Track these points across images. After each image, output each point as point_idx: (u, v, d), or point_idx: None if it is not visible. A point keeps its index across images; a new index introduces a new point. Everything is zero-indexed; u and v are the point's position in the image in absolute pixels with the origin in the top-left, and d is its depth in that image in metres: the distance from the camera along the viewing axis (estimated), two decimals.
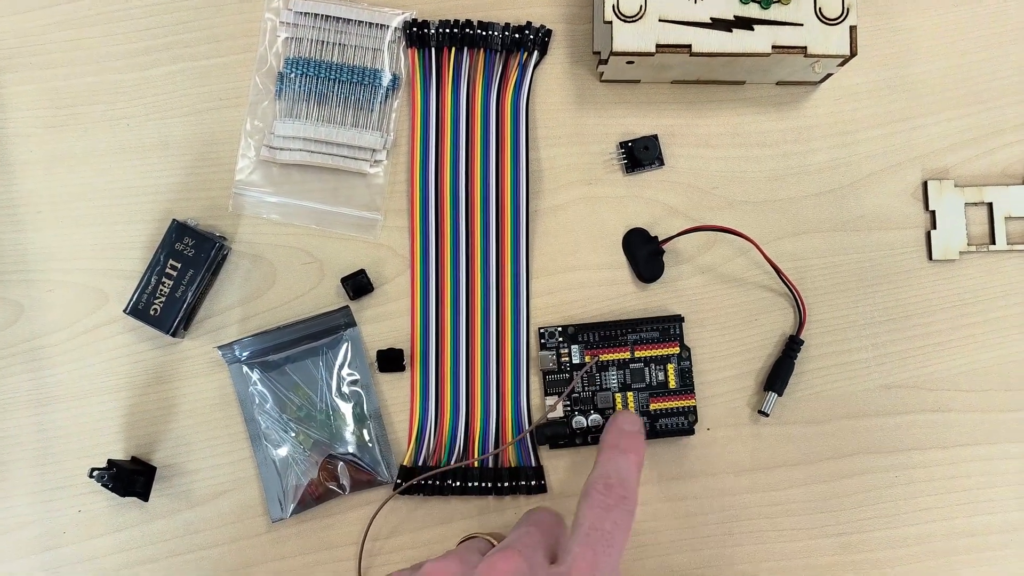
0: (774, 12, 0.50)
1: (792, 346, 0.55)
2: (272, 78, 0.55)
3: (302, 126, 0.55)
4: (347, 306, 0.54)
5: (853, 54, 0.50)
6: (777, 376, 0.55)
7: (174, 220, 0.52)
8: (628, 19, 0.50)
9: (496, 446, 0.54)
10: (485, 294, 0.55)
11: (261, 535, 0.54)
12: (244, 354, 0.54)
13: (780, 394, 0.54)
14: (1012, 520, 0.55)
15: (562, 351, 0.54)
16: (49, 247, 0.55)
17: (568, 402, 0.54)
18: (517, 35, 0.55)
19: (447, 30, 0.55)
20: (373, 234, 0.55)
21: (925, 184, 0.56)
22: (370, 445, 0.54)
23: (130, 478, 0.52)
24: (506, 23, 0.55)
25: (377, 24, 0.55)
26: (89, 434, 0.54)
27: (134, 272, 0.54)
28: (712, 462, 0.55)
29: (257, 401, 0.53)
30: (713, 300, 0.55)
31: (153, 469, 0.53)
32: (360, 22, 0.55)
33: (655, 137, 0.56)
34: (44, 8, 0.56)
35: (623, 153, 0.56)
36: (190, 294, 0.52)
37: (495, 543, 0.42)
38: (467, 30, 0.55)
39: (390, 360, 0.54)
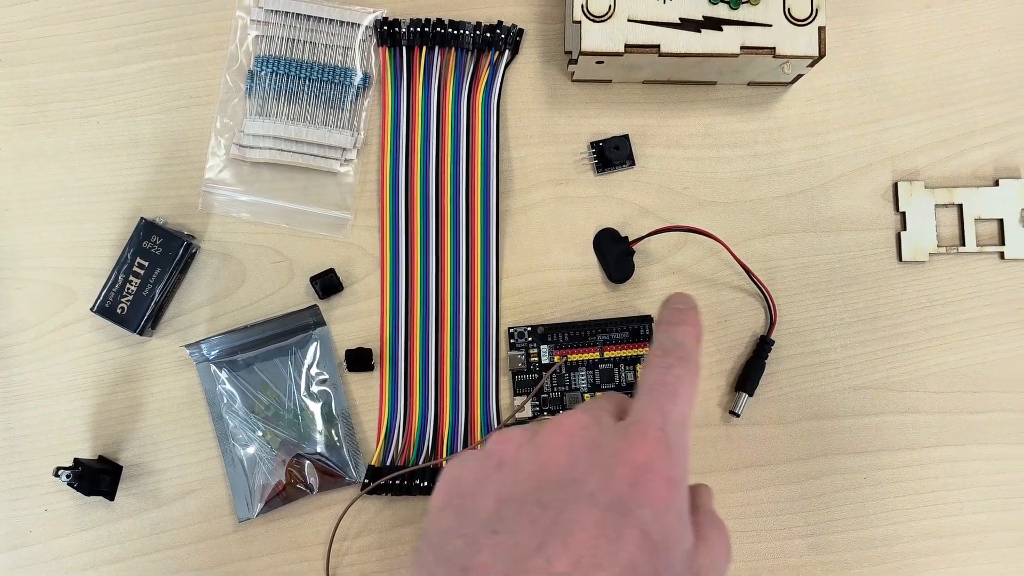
0: (743, 13, 0.49)
1: (763, 346, 0.54)
2: (243, 76, 0.55)
3: (272, 124, 0.54)
4: (316, 305, 0.53)
5: (822, 55, 0.49)
6: (748, 377, 0.54)
7: (142, 219, 0.52)
8: (597, 19, 0.49)
9: (465, 446, 0.53)
10: (455, 294, 0.54)
11: (228, 535, 0.53)
12: (212, 353, 0.53)
13: (751, 394, 0.54)
14: (979, 521, 0.54)
15: (531, 351, 0.54)
16: (18, 245, 0.54)
17: (537, 402, 0.54)
18: (488, 34, 0.55)
19: (418, 29, 0.54)
20: (343, 233, 0.54)
21: (895, 185, 0.56)
22: (338, 445, 0.53)
23: (95, 477, 0.51)
24: (477, 22, 0.55)
25: (348, 23, 0.55)
26: (56, 433, 0.53)
27: (103, 270, 0.54)
28: None
29: (225, 400, 0.53)
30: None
31: (119, 468, 0.53)
32: (331, 20, 0.55)
33: (626, 137, 0.55)
34: (16, 4, 0.55)
35: (594, 153, 0.55)
36: (157, 292, 0.51)
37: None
38: (438, 29, 0.54)
39: (359, 359, 0.53)
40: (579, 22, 0.49)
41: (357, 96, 0.55)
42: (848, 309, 0.55)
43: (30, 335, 0.54)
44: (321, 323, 0.53)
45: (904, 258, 0.55)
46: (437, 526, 0.35)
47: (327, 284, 0.53)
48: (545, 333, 0.54)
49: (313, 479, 0.52)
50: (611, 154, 0.55)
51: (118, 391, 0.54)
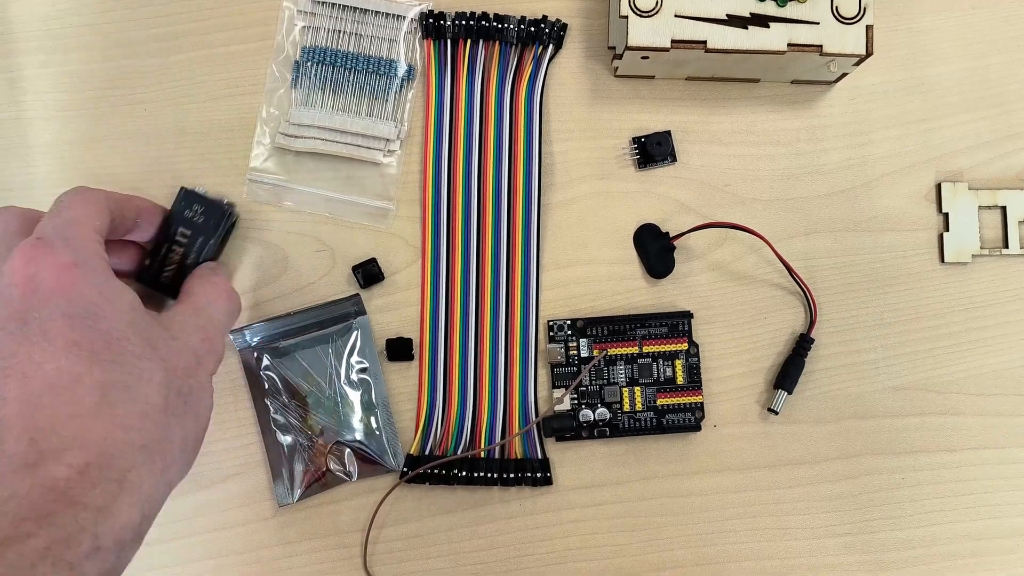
0: (790, 10, 0.48)
1: (803, 344, 0.53)
2: (288, 67, 0.54)
3: (317, 114, 0.54)
4: (357, 294, 0.53)
5: (869, 54, 0.48)
6: (787, 374, 0.53)
7: (182, 188, 0.51)
8: (644, 14, 0.49)
9: (503, 437, 0.53)
10: (495, 285, 0.54)
11: (268, 519, 0.52)
12: (255, 340, 0.52)
13: (790, 392, 0.53)
14: (1017, 525, 0.53)
15: (571, 344, 0.53)
16: None
17: (575, 395, 0.53)
18: (532, 28, 0.54)
19: (463, 22, 0.53)
20: (385, 223, 0.54)
21: (939, 186, 0.55)
22: (377, 433, 0.52)
23: None
24: (522, 16, 0.54)
25: (393, 15, 0.54)
26: None
27: None
28: (718, 459, 0.53)
29: (267, 386, 0.52)
30: (723, 297, 0.54)
31: None
32: (376, 12, 0.54)
33: (668, 133, 0.54)
34: None
35: (635, 148, 0.54)
36: (201, 261, 0.51)
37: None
38: (483, 22, 0.54)
39: (399, 349, 0.53)
40: (626, 17, 0.49)
41: (401, 88, 0.54)
42: (889, 309, 0.54)
43: None
44: (362, 312, 0.53)
45: (946, 259, 0.54)
46: None
47: (368, 273, 0.53)
48: (584, 327, 0.53)
49: (352, 466, 0.52)
50: (653, 150, 0.54)
51: None
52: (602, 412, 0.53)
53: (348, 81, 0.54)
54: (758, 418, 0.53)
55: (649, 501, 0.53)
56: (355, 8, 0.54)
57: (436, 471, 0.51)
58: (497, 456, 0.52)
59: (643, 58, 0.51)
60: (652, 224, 0.54)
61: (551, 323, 0.53)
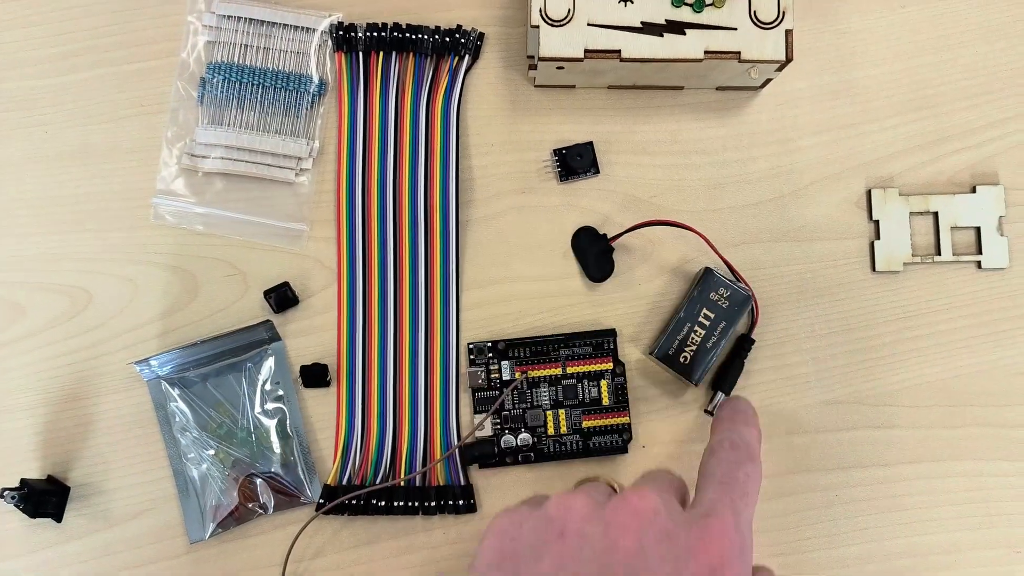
0: (707, 16, 0.45)
1: (742, 345, 0.50)
2: (194, 83, 0.50)
3: (225, 133, 0.50)
4: (269, 320, 0.49)
5: (789, 59, 0.45)
6: (725, 375, 0.50)
7: (706, 268, 0.50)
8: (556, 23, 0.45)
9: (424, 464, 0.49)
10: (414, 307, 0.50)
11: (181, 556, 0.49)
12: (163, 370, 0.49)
13: (727, 394, 0.50)
14: (956, 540, 0.50)
15: (492, 367, 0.50)
16: None
17: (498, 420, 0.49)
18: (448, 39, 0.50)
19: (375, 33, 0.50)
20: (299, 245, 0.50)
21: (869, 192, 0.51)
22: (293, 463, 0.49)
23: (42, 498, 0.47)
24: (436, 26, 0.50)
25: (303, 27, 0.50)
26: (4, 452, 0.49)
27: (52, 285, 0.50)
28: None
29: (177, 418, 0.48)
30: (659, 302, 0.51)
31: (67, 489, 0.49)
32: (285, 25, 0.50)
33: (590, 144, 0.51)
34: None
35: (557, 161, 0.51)
36: (720, 346, 0.48)
37: (616, 489, 0.37)
38: (395, 33, 0.50)
39: (315, 375, 0.49)
40: (537, 26, 0.45)
41: (313, 103, 0.50)
42: (820, 321, 0.51)
43: None
44: (276, 338, 0.49)
45: (877, 268, 0.51)
46: None
47: (281, 298, 0.49)
48: (506, 348, 0.49)
49: (267, 499, 0.48)
50: (574, 162, 0.51)
51: (67, 408, 0.49)
52: (524, 437, 0.49)
53: (257, 97, 0.50)
54: (688, 437, 0.50)
55: None
56: (263, 21, 0.50)
57: (355, 502, 0.48)
58: (418, 484, 0.49)
59: (558, 68, 0.47)
60: (591, 227, 0.51)
61: (471, 346, 0.50)
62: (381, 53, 0.50)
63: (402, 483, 0.48)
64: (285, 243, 0.50)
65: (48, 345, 0.50)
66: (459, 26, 0.50)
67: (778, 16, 0.44)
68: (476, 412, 0.49)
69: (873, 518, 0.50)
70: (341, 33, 0.50)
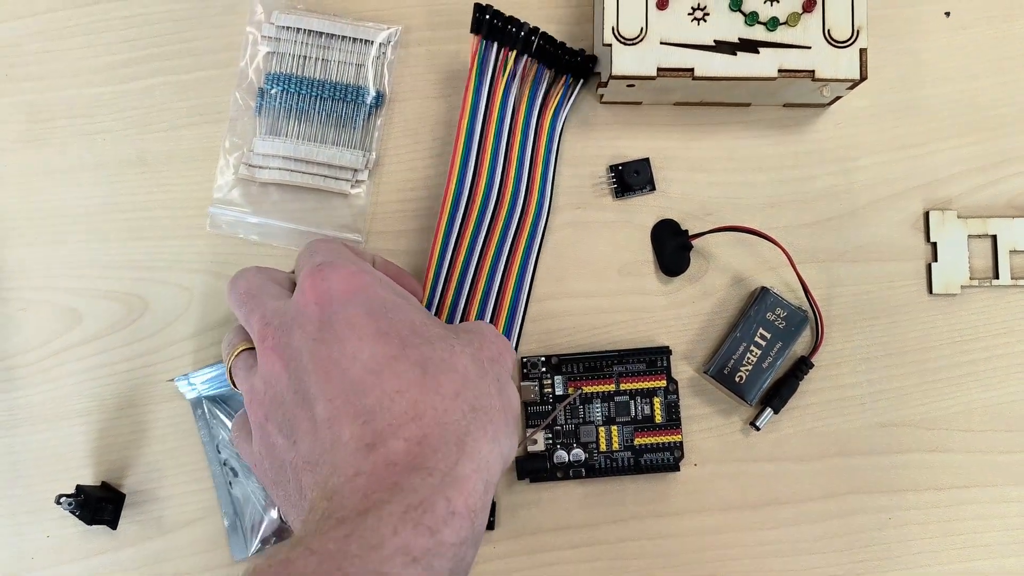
0: (780, 34, 0.40)
1: (800, 367, 0.45)
2: (253, 94, 0.46)
3: (282, 144, 0.45)
4: None
5: (863, 78, 0.40)
6: (777, 392, 0.45)
7: (762, 288, 0.45)
8: (628, 42, 0.40)
9: None
10: (481, 311, 0.44)
11: (232, 565, 0.44)
12: (204, 386, 0.44)
13: (776, 411, 0.45)
14: (1008, 566, 0.45)
15: (545, 382, 0.45)
16: (23, 264, 0.46)
17: (550, 435, 0.45)
18: (567, 56, 0.44)
19: (513, 28, 0.43)
20: None
21: (927, 214, 0.46)
22: None
23: (97, 505, 0.43)
24: (562, 41, 0.44)
25: (361, 39, 0.45)
26: (59, 458, 0.45)
27: (108, 292, 0.45)
28: (698, 499, 0.45)
29: (222, 435, 0.44)
30: (713, 320, 0.46)
31: (122, 496, 0.44)
32: (344, 37, 0.45)
33: (646, 160, 0.46)
34: (20, 19, 0.46)
35: (613, 177, 0.46)
36: (776, 367, 0.45)
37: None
38: (532, 36, 0.43)
39: None
40: (609, 45, 0.40)
41: (369, 115, 0.46)
42: (875, 343, 0.46)
43: (33, 357, 0.45)
44: None
45: (935, 290, 0.46)
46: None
47: None
48: (559, 364, 0.45)
49: None
50: (631, 178, 0.46)
51: (122, 416, 0.45)
52: (577, 453, 0.45)
53: (314, 109, 0.46)
54: (740, 456, 0.45)
55: (626, 543, 0.45)
56: (321, 33, 0.46)
57: None
58: None
59: (628, 86, 0.42)
60: (672, 220, 0.46)
61: (524, 360, 0.45)
62: (514, 52, 0.44)
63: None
64: None
65: (104, 352, 0.45)
66: (582, 49, 0.45)
67: (852, 35, 0.39)
68: (528, 426, 0.45)
69: (926, 542, 0.45)
70: (485, 16, 0.42)
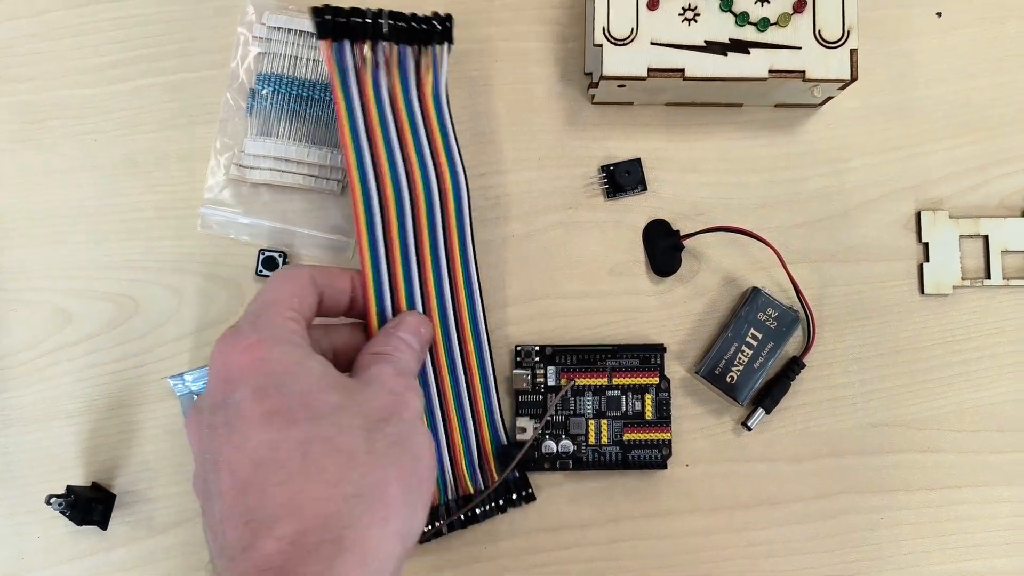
0: (771, 35, 0.39)
1: (792, 367, 0.45)
2: (244, 94, 0.45)
3: (273, 145, 0.45)
4: None
5: (854, 78, 0.40)
6: (769, 393, 0.44)
7: (753, 288, 0.44)
8: (619, 42, 0.40)
9: (482, 469, 0.44)
10: (442, 310, 0.43)
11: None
12: (197, 385, 0.44)
13: (768, 412, 0.45)
14: (1000, 566, 0.45)
15: (537, 371, 0.45)
16: (13, 265, 0.45)
17: (539, 424, 0.44)
18: (424, 25, 0.41)
19: (360, 20, 0.40)
20: (343, 257, 0.45)
21: (918, 214, 0.46)
22: None
23: (88, 506, 0.43)
24: (412, 12, 0.41)
25: None
26: (50, 458, 0.45)
27: (99, 292, 0.45)
28: (690, 499, 0.45)
29: None
30: (704, 321, 0.46)
31: (112, 497, 0.44)
32: None
33: (638, 161, 0.46)
34: (11, 20, 0.46)
35: (604, 177, 0.46)
36: (767, 367, 0.45)
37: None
38: (379, 20, 0.41)
39: None
40: (600, 45, 0.40)
41: None
42: (867, 343, 0.46)
43: (24, 358, 0.45)
44: None
45: (926, 291, 0.46)
46: None
47: None
48: (553, 354, 0.45)
49: None
50: (622, 179, 0.46)
51: (113, 416, 0.45)
52: (566, 444, 0.44)
53: (305, 109, 0.45)
54: (731, 456, 0.45)
55: (617, 544, 0.45)
56: (312, 33, 0.45)
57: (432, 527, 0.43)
58: (482, 486, 0.44)
59: (619, 86, 0.42)
60: (663, 220, 0.46)
61: (519, 348, 0.45)
62: (367, 43, 0.41)
63: (478, 513, 0.43)
64: (330, 255, 0.45)
65: (94, 352, 0.45)
66: (435, 12, 0.42)
67: (843, 35, 0.39)
68: (518, 415, 0.45)
69: (918, 543, 0.45)
70: (322, 18, 0.40)
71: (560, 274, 0.46)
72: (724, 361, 0.44)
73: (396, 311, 0.41)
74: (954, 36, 0.47)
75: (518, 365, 0.45)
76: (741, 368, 0.44)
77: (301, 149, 0.45)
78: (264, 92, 0.45)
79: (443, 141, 0.42)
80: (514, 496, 0.44)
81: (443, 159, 0.42)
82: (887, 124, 0.46)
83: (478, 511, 0.44)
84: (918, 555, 0.45)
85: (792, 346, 0.45)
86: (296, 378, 0.32)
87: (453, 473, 0.43)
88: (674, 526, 0.45)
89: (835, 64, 0.39)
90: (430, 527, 0.43)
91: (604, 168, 0.46)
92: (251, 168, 0.45)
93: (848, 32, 0.39)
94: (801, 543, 0.45)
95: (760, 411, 0.45)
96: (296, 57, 0.45)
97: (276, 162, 0.45)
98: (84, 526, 0.43)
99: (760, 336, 0.44)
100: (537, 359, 0.45)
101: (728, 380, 0.44)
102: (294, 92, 0.45)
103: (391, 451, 0.32)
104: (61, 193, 0.46)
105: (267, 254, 0.45)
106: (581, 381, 0.45)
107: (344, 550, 0.28)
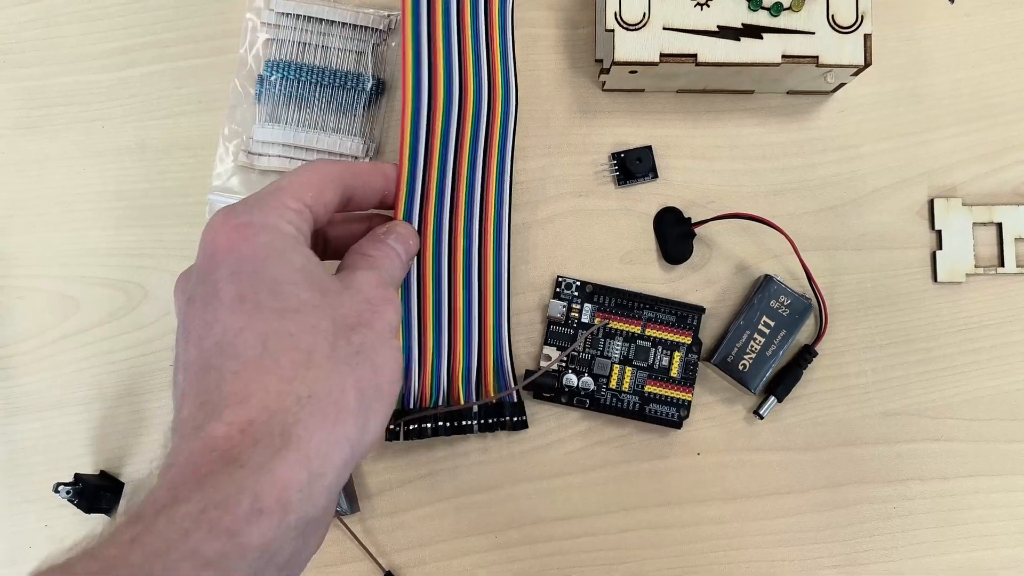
0: (784, 20, 0.39)
1: (804, 355, 0.44)
2: (252, 81, 0.45)
3: (282, 131, 0.45)
4: None
5: (867, 64, 0.39)
6: (781, 381, 0.44)
7: (766, 275, 0.44)
8: (631, 27, 0.39)
9: (479, 385, 0.43)
10: (468, 225, 0.43)
11: None
12: None
13: (780, 400, 0.44)
14: (1015, 556, 0.44)
15: (574, 306, 0.44)
16: (19, 252, 0.45)
17: (565, 359, 0.44)
18: None
19: None
20: None
21: (931, 202, 0.46)
22: None
23: (96, 494, 0.43)
24: None
25: (361, 26, 0.45)
26: (58, 446, 0.44)
27: (107, 280, 0.45)
28: (702, 488, 0.45)
29: None
30: (716, 310, 0.45)
31: (121, 485, 0.44)
32: (344, 23, 0.45)
33: (649, 148, 0.45)
34: (18, 5, 0.46)
35: (615, 165, 0.45)
36: (780, 355, 0.44)
37: None
38: None
39: None
40: (612, 30, 0.40)
41: (370, 102, 0.45)
42: (880, 331, 0.45)
43: (31, 345, 0.45)
44: None
45: (939, 279, 0.45)
46: None
47: None
48: (593, 292, 0.44)
49: None
50: (633, 166, 0.45)
51: (121, 404, 0.44)
52: (587, 381, 0.44)
53: (314, 96, 0.45)
54: (743, 445, 0.45)
55: (628, 533, 0.44)
56: (321, 19, 0.45)
57: (415, 426, 0.42)
58: (475, 403, 0.43)
59: (631, 72, 0.41)
60: (675, 207, 0.45)
61: (560, 279, 0.44)
62: None
63: (473, 407, 0.43)
64: None
65: (103, 340, 0.45)
66: None
67: (857, 20, 0.39)
68: (546, 344, 0.44)
69: (931, 532, 0.44)
70: None
71: (570, 262, 0.45)
72: (736, 349, 0.44)
73: (424, 214, 0.41)
74: (967, 22, 0.46)
75: (556, 296, 0.45)
76: (753, 356, 0.43)
77: (310, 136, 0.45)
78: (273, 78, 0.45)
79: (501, 58, 0.42)
80: (506, 419, 0.43)
81: (498, 77, 0.42)
82: (899, 111, 0.46)
83: (465, 422, 0.43)
84: (931, 545, 0.44)
85: (804, 334, 0.45)
86: (274, 267, 0.32)
87: (448, 384, 0.43)
88: (686, 516, 0.44)
89: (849, 49, 0.39)
90: (414, 426, 0.42)
91: (615, 155, 0.45)
92: (259, 155, 0.45)
93: (862, 17, 0.39)
94: (814, 532, 0.44)
95: (772, 399, 0.44)
96: (305, 43, 0.45)
97: (285, 149, 0.45)
98: (92, 514, 0.43)
99: (772, 324, 0.44)
100: (576, 294, 0.45)
101: (740, 368, 0.43)
102: (303, 78, 0.45)
103: (353, 359, 0.31)
104: (68, 180, 0.45)
105: None
106: (614, 325, 0.44)
107: (288, 446, 0.28)
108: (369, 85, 0.45)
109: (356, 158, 0.45)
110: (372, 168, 0.39)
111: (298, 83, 0.45)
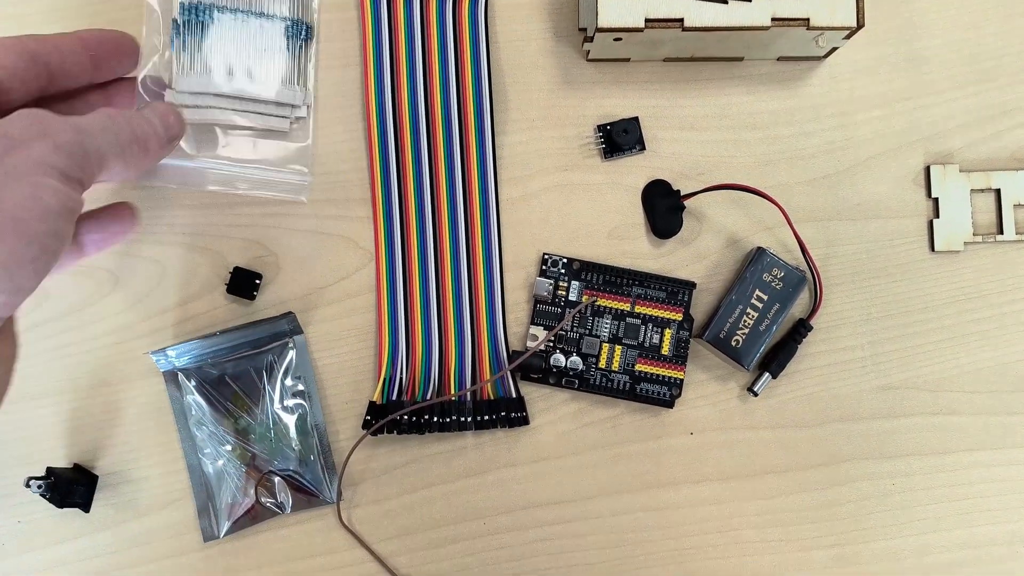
0: None
1: (799, 329, 0.43)
2: (164, 29, 0.41)
3: (207, 81, 0.40)
4: (292, 312, 0.42)
5: (860, 26, 0.37)
6: (775, 356, 0.43)
7: (759, 248, 0.43)
8: None
9: (474, 381, 0.42)
10: (453, 221, 0.43)
11: (204, 550, 0.42)
12: (180, 361, 0.42)
13: (775, 376, 0.43)
14: (1016, 531, 0.43)
15: (561, 284, 0.43)
16: None
17: (552, 337, 0.43)
18: None
19: None
20: (304, 195, 0.41)
21: (928, 169, 0.44)
22: (313, 461, 0.42)
23: (69, 488, 0.41)
24: None
25: None
26: (29, 440, 0.43)
27: (77, 267, 0.43)
28: (696, 468, 0.43)
29: (193, 412, 0.42)
30: (707, 284, 0.44)
31: (95, 478, 0.42)
32: None
33: (635, 119, 0.44)
34: None
35: (601, 137, 0.44)
36: (773, 331, 0.42)
37: None
38: None
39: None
40: None
41: (301, 49, 0.42)
42: (876, 303, 0.44)
43: None
44: (298, 331, 0.42)
45: (937, 248, 0.44)
46: None
47: (240, 282, 0.42)
48: (580, 269, 0.43)
49: (285, 497, 0.42)
50: (620, 138, 0.44)
51: (94, 395, 0.43)
52: (575, 361, 0.42)
53: (244, 38, 0.41)
54: (738, 424, 0.43)
55: (621, 516, 0.43)
56: None
57: (406, 418, 0.41)
58: (469, 399, 0.42)
59: (616, 40, 0.40)
60: (663, 180, 0.44)
61: (546, 256, 0.43)
62: None
63: (453, 398, 0.41)
64: (291, 194, 0.41)
65: (73, 329, 0.43)
66: None
67: None
68: (533, 323, 0.43)
69: (931, 508, 0.43)
70: None
71: (557, 239, 0.44)
72: (729, 325, 0.42)
73: (404, 203, 0.41)
74: None
75: (542, 274, 0.43)
76: (747, 331, 0.42)
77: (236, 84, 0.41)
78: (190, 22, 0.40)
79: (470, 18, 0.41)
80: (505, 414, 0.42)
81: (466, 38, 0.41)
82: (893, 75, 0.44)
83: (466, 419, 0.42)
84: (932, 521, 0.43)
85: (799, 308, 0.43)
86: None
87: (439, 379, 0.42)
88: (680, 496, 0.43)
89: (841, 10, 0.37)
90: (404, 417, 0.41)
91: (601, 127, 0.44)
92: (187, 107, 0.40)
93: None
94: (811, 511, 0.43)
95: (766, 376, 0.43)
96: None
97: (216, 99, 0.41)
98: (66, 508, 0.41)
99: (766, 298, 0.42)
100: (563, 271, 0.43)
101: (733, 344, 0.42)
102: (224, 24, 0.41)
103: None
104: None
105: (239, 270, 0.43)
106: (603, 302, 0.43)
107: None
108: (298, 29, 0.41)
109: (293, 107, 0.41)
110: (61, 34, 0.35)
111: (220, 27, 0.41)
